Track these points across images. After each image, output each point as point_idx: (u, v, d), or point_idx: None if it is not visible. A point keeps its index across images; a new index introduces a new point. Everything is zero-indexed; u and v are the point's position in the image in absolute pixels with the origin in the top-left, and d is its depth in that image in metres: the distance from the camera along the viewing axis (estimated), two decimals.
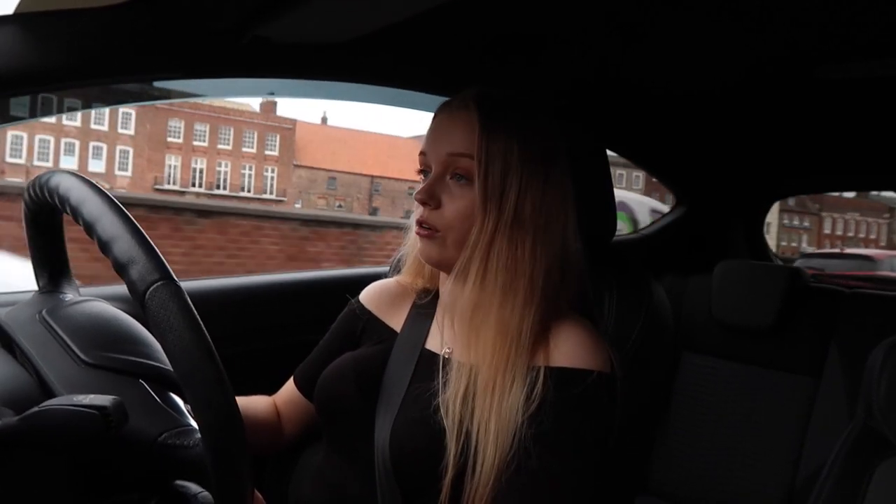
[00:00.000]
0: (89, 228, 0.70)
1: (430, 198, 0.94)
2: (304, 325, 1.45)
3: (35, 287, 0.92)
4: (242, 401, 0.69)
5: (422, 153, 0.98)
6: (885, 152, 1.90)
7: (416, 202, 0.96)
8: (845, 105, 1.61)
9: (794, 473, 1.70)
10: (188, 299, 0.66)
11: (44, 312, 0.85)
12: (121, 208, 0.71)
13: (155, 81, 1.07)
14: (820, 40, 1.20)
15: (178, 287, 0.66)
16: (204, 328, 0.66)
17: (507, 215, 0.92)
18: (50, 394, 0.76)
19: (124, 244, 0.67)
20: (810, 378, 1.74)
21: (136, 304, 0.66)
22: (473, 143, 0.93)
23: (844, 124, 1.78)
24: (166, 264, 0.67)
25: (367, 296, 1.16)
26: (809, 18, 1.10)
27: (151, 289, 0.64)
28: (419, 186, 0.99)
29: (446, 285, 1.03)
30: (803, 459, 1.69)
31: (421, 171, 1.00)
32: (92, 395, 0.65)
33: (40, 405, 0.65)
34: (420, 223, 0.96)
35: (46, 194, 0.76)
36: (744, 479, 1.76)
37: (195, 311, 0.66)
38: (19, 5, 0.90)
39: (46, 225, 0.86)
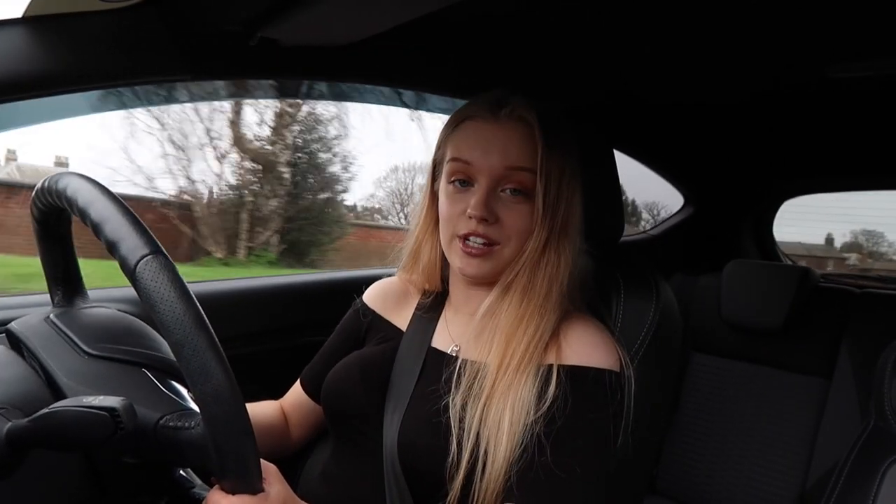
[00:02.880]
0: (82, 212, 0.71)
1: (489, 214, 0.92)
2: (310, 326, 1.46)
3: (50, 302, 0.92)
4: (249, 407, 0.68)
5: (463, 161, 0.95)
6: (894, 153, 1.89)
7: (464, 216, 0.93)
8: (854, 105, 1.60)
9: (805, 475, 1.68)
10: (178, 271, 0.66)
11: (52, 316, 0.86)
12: (112, 193, 0.72)
13: (163, 84, 1.07)
14: (829, 40, 1.19)
15: (168, 259, 0.66)
16: (195, 298, 0.66)
17: (557, 227, 0.94)
18: (56, 388, 0.76)
19: (114, 224, 0.68)
20: (821, 378, 1.73)
21: (128, 279, 0.66)
22: (534, 157, 0.92)
23: (854, 124, 1.76)
24: (155, 239, 0.68)
25: (370, 295, 1.16)
26: (818, 19, 1.09)
27: (141, 262, 0.65)
28: (450, 194, 0.97)
29: (462, 288, 1.03)
30: (814, 460, 1.68)
31: (455, 180, 0.97)
32: (101, 397, 0.65)
33: (50, 407, 0.66)
34: (470, 237, 0.93)
35: (54, 197, 0.76)
36: (754, 481, 1.75)
37: (185, 282, 0.66)
38: (28, 8, 0.91)
39: (56, 235, 0.86)
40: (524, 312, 0.93)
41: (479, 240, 0.93)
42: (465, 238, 0.94)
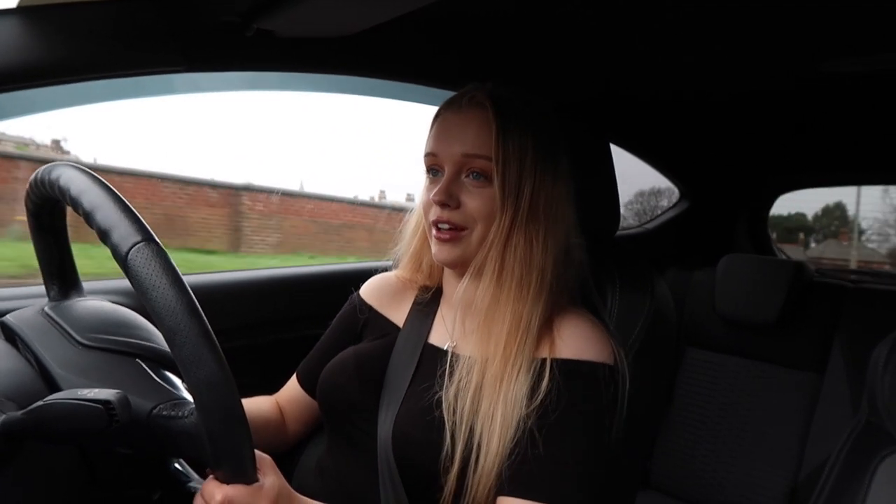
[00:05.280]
0: (74, 201, 0.71)
1: (449, 198, 0.94)
2: (306, 319, 1.46)
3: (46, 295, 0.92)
4: (245, 402, 0.68)
5: (431, 154, 0.98)
6: (890, 148, 1.89)
7: (432, 203, 0.95)
8: (850, 100, 1.60)
9: (797, 469, 1.69)
10: (170, 258, 0.66)
11: (46, 308, 0.86)
12: (104, 182, 0.71)
13: (158, 75, 1.06)
14: (823, 35, 1.19)
15: (160, 247, 0.66)
16: (187, 285, 0.65)
17: (522, 211, 0.93)
18: (50, 380, 0.76)
19: (105, 211, 0.68)
20: (814, 373, 1.74)
21: (120, 266, 0.66)
22: (489, 143, 0.93)
23: (849, 120, 1.77)
24: (147, 226, 0.67)
25: (367, 290, 1.16)
26: (812, 14, 1.09)
27: (133, 249, 0.65)
28: (426, 185, 0.99)
29: (453, 283, 1.03)
30: (806, 455, 1.69)
31: (429, 171, 0.99)
32: (96, 390, 0.65)
33: (44, 399, 0.66)
34: (439, 223, 0.95)
35: (48, 187, 0.76)
36: (746, 475, 1.76)
37: (178, 270, 0.66)
38: None
39: (50, 228, 0.86)
40: (499, 297, 0.93)
41: (445, 225, 0.95)
42: (435, 225, 0.96)
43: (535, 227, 0.94)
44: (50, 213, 0.84)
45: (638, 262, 1.37)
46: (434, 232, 0.96)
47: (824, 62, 1.31)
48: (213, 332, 0.65)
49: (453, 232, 0.95)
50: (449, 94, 1.03)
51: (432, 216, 0.96)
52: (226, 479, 0.71)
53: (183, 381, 0.80)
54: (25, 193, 0.82)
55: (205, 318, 0.65)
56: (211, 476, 0.72)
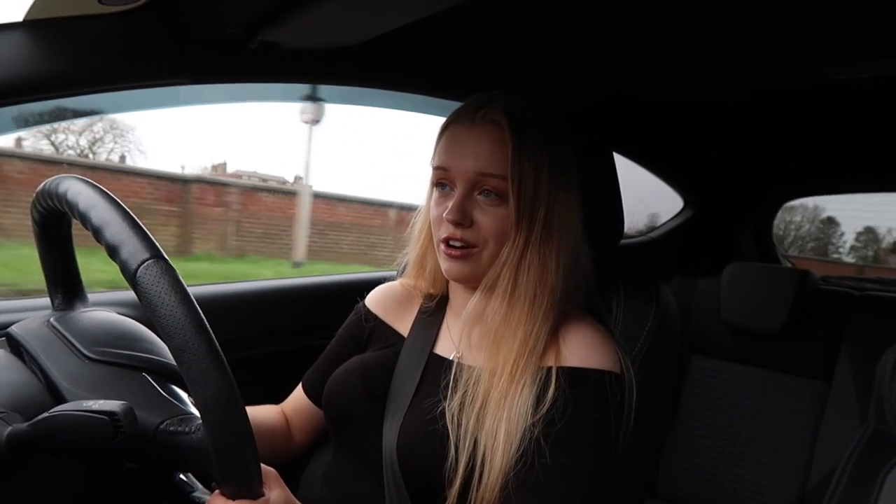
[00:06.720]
0: (83, 216, 0.71)
1: (463, 217, 0.93)
2: (311, 330, 1.45)
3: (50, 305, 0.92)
4: (251, 410, 0.68)
5: (442, 167, 0.96)
6: (894, 155, 1.89)
7: (444, 220, 0.94)
8: (854, 108, 1.60)
9: (804, 478, 1.68)
10: (179, 275, 0.66)
11: (52, 320, 0.86)
12: (113, 197, 0.72)
13: (163, 87, 1.07)
14: (828, 41, 1.19)
15: (169, 264, 0.66)
16: (196, 303, 0.66)
17: (537, 230, 0.93)
18: (56, 392, 0.76)
19: (114, 228, 0.68)
20: (821, 381, 1.73)
21: (129, 283, 0.66)
22: (505, 161, 0.92)
23: (854, 127, 1.76)
24: (156, 243, 0.67)
25: (372, 300, 1.16)
26: (817, 20, 1.09)
27: (142, 267, 0.65)
28: (436, 199, 0.98)
29: (461, 294, 1.03)
30: (814, 464, 1.67)
31: (438, 185, 0.98)
32: (101, 401, 0.65)
33: (50, 411, 0.66)
34: (450, 240, 0.94)
35: (55, 200, 0.76)
36: (753, 484, 1.75)
37: (186, 287, 0.66)
38: (28, 12, 0.91)
39: (56, 238, 0.86)
40: (511, 316, 0.93)
41: (457, 243, 0.94)
42: (446, 242, 0.95)
43: (549, 245, 0.94)
44: (56, 224, 0.84)
45: (642, 270, 1.36)
46: (443, 248, 0.95)
47: (830, 68, 1.30)
48: (221, 350, 0.65)
49: (464, 250, 0.94)
50: (451, 104, 1.02)
51: (443, 233, 0.95)
52: (232, 495, 0.71)
53: (190, 396, 0.80)
54: (31, 203, 0.82)
55: (213, 335, 0.65)
56: (217, 491, 0.72)
